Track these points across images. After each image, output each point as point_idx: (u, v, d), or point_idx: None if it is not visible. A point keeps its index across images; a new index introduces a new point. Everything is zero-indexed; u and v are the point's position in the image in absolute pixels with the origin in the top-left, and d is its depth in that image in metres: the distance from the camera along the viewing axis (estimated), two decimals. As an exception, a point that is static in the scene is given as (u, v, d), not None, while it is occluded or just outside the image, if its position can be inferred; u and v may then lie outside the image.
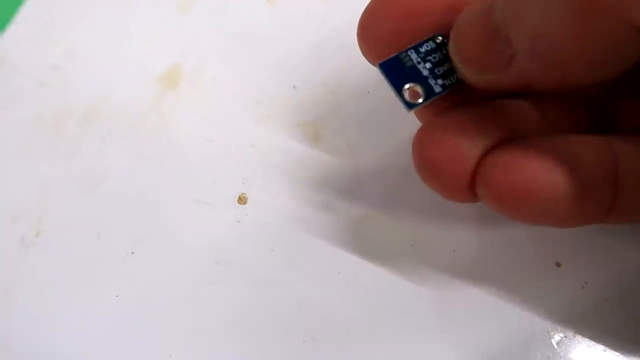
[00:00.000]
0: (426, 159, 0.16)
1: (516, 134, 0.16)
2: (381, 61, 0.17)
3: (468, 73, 0.16)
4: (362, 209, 0.21)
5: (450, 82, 0.17)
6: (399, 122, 0.22)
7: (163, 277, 0.21)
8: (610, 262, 0.20)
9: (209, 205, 0.22)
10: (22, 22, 0.27)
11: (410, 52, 0.17)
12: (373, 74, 0.24)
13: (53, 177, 0.23)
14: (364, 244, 0.21)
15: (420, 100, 0.16)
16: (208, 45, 0.25)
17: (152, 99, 0.25)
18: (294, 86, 0.24)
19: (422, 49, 0.17)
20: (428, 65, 0.17)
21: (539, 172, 0.15)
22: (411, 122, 0.18)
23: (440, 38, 0.17)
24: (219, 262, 0.21)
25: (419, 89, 0.16)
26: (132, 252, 0.21)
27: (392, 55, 0.17)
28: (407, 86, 0.16)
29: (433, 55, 0.17)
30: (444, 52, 0.17)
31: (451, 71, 0.17)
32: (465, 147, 0.16)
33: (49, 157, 0.24)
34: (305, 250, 0.21)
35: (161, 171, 0.23)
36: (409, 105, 0.16)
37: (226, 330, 0.20)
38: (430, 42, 0.17)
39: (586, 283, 0.19)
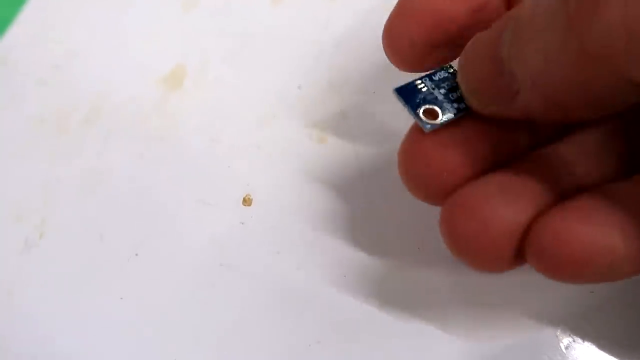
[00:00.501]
0: (461, 234, 0.16)
1: (563, 192, 0.16)
2: (396, 87, 0.17)
3: (474, 103, 0.16)
4: (368, 210, 0.21)
5: (465, 106, 0.17)
6: (405, 123, 0.21)
7: (167, 279, 0.21)
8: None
9: (213, 206, 0.22)
10: (23, 21, 0.27)
11: (425, 80, 0.17)
12: (379, 74, 0.24)
13: (55, 178, 0.23)
14: (370, 246, 0.21)
15: (439, 120, 0.16)
16: (212, 45, 0.25)
17: (156, 99, 0.24)
18: (299, 86, 0.24)
19: (436, 77, 0.17)
20: (442, 90, 0.17)
21: (596, 237, 0.14)
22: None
23: (452, 68, 0.17)
24: (224, 264, 0.21)
25: (436, 109, 0.17)
26: (137, 254, 0.21)
27: (407, 83, 0.17)
28: (424, 107, 0.17)
29: (446, 83, 0.17)
30: (457, 81, 0.17)
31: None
32: (507, 217, 0.15)
33: (51, 157, 0.24)
34: (311, 253, 0.21)
35: (165, 172, 0.23)
36: (429, 125, 0.16)
37: (231, 333, 0.20)
38: (443, 72, 0.17)
39: (592, 290, 0.19)
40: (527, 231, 0.15)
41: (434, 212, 0.21)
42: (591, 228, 0.14)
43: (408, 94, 0.17)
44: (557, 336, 0.19)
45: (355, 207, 0.21)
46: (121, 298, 0.21)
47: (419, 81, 0.17)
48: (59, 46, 0.26)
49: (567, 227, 0.14)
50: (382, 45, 0.18)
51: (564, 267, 0.14)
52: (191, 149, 0.23)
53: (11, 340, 0.21)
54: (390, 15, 0.18)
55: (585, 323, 0.19)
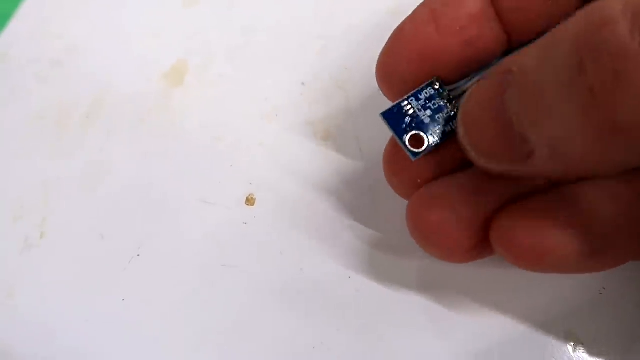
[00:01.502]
0: (425, 227, 0.17)
1: (525, 190, 0.16)
2: (383, 111, 0.17)
3: (481, 162, 0.16)
4: (373, 207, 0.21)
5: (451, 129, 0.17)
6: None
7: (169, 279, 0.21)
8: (628, 268, 0.19)
9: (215, 206, 0.22)
10: (23, 17, 0.26)
11: (411, 100, 0.17)
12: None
13: (56, 176, 0.23)
14: (375, 245, 0.20)
15: (424, 148, 0.17)
16: (214, 41, 0.25)
17: (157, 95, 0.24)
18: (302, 83, 0.23)
19: (422, 96, 0.17)
20: (429, 112, 0.17)
21: (551, 233, 0.15)
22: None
23: (437, 84, 0.17)
24: (226, 264, 0.21)
25: (422, 136, 0.17)
26: (138, 255, 0.21)
27: (393, 104, 0.17)
28: (410, 134, 0.17)
29: (433, 102, 0.17)
30: (443, 98, 0.17)
31: (451, 118, 0.17)
32: (465, 210, 0.16)
33: (52, 154, 0.23)
34: (315, 254, 0.20)
35: (166, 170, 0.23)
36: (414, 154, 0.17)
37: (233, 334, 0.20)
38: (430, 89, 0.17)
39: (604, 289, 0.19)
40: (489, 224, 0.16)
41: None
42: (548, 223, 0.15)
43: (394, 118, 0.17)
44: (565, 338, 0.18)
45: (361, 205, 0.21)
46: (123, 298, 0.21)
47: (405, 102, 0.17)
48: (59, 42, 0.26)
49: (526, 223, 0.16)
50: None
51: (524, 259, 0.16)
52: (193, 146, 0.23)
53: (12, 341, 0.20)
54: (382, 51, 0.18)
55: (594, 325, 0.18)
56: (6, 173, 0.23)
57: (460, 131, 0.16)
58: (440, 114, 0.17)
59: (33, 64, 0.26)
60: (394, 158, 0.18)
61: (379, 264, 0.20)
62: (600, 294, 0.19)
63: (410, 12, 0.24)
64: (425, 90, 0.17)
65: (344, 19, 0.24)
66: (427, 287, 0.20)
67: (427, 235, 0.17)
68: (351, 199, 0.21)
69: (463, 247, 0.17)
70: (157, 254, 0.21)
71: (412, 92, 0.17)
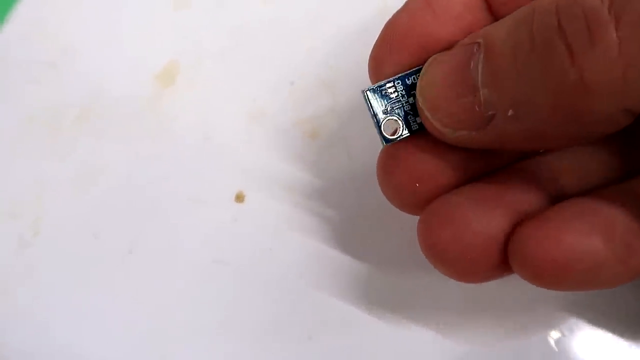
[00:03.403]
0: (436, 244, 0.16)
1: (547, 200, 0.16)
2: (366, 89, 0.16)
3: (437, 125, 0.15)
4: (360, 207, 0.21)
5: None
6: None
7: (161, 276, 0.21)
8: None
9: (206, 203, 0.22)
10: (17, 19, 0.27)
11: (397, 83, 0.16)
12: (371, 70, 0.23)
13: (49, 176, 0.23)
14: (361, 243, 0.21)
15: (396, 136, 0.16)
16: (205, 42, 0.25)
17: (149, 96, 0.24)
18: (291, 82, 0.24)
19: (409, 81, 0.16)
20: (411, 99, 0.16)
21: (575, 242, 0.14)
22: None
23: None
24: (217, 260, 0.21)
25: (398, 122, 0.16)
26: (130, 252, 0.21)
27: (378, 83, 0.16)
28: (387, 119, 0.16)
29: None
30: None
31: None
32: (481, 226, 0.15)
33: (45, 155, 0.24)
34: (303, 250, 0.21)
35: (158, 169, 0.23)
36: (386, 140, 0.16)
37: (223, 329, 0.20)
38: (417, 76, 0.16)
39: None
40: (508, 240, 0.15)
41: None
42: (571, 233, 0.14)
43: (375, 99, 0.16)
44: (547, 331, 0.19)
45: (347, 204, 0.21)
46: (115, 295, 0.21)
47: (390, 84, 0.16)
48: (53, 43, 0.26)
49: (547, 233, 0.14)
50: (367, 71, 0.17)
51: (546, 274, 0.14)
52: (184, 145, 0.23)
53: (6, 339, 0.21)
54: (375, 42, 0.17)
55: (575, 317, 0.19)
56: (0, 173, 0.24)
57: (420, 98, 0.15)
58: None
59: (27, 65, 0.26)
60: (392, 160, 0.17)
61: (365, 261, 0.20)
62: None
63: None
64: (414, 76, 0.16)
65: (332, 19, 0.25)
66: (413, 283, 0.20)
67: (441, 255, 0.16)
68: (338, 197, 0.22)
69: (480, 265, 0.15)
70: (149, 252, 0.22)
71: (400, 75, 0.16)
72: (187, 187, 0.22)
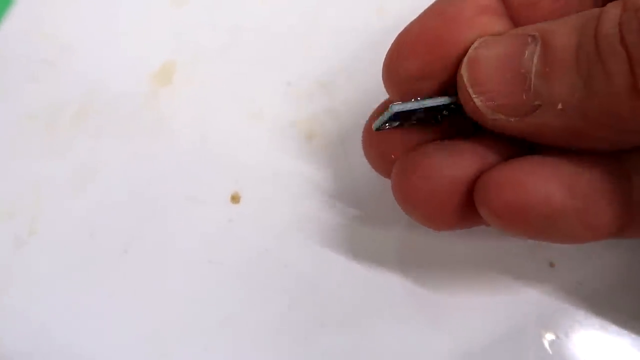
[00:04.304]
0: (406, 189, 0.17)
1: (512, 154, 0.16)
2: (395, 106, 0.16)
3: (481, 105, 0.15)
4: (356, 207, 0.21)
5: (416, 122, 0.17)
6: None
7: (157, 276, 0.21)
8: (603, 262, 0.19)
9: (202, 203, 0.22)
10: (14, 17, 0.26)
11: (420, 107, 0.16)
12: (367, 71, 0.23)
13: (46, 175, 0.23)
14: (358, 243, 0.21)
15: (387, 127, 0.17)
16: (202, 41, 0.25)
17: (146, 95, 0.24)
18: (288, 83, 0.24)
19: (428, 104, 0.16)
20: (421, 115, 0.17)
21: (534, 186, 0.15)
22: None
23: (454, 105, 0.16)
24: (212, 261, 0.21)
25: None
26: (126, 251, 0.21)
27: (409, 107, 0.16)
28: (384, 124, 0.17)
29: (440, 110, 0.17)
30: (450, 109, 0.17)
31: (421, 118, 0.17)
32: (449, 171, 0.16)
33: (42, 154, 0.24)
34: (299, 250, 0.21)
35: (154, 169, 0.23)
36: (377, 129, 0.17)
37: (218, 329, 0.20)
38: (445, 100, 0.16)
39: (580, 283, 0.19)
40: (473, 184, 0.16)
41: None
42: (532, 178, 0.15)
43: (396, 119, 0.17)
44: (541, 332, 0.19)
45: (344, 204, 0.21)
46: (111, 295, 0.21)
47: (420, 110, 0.16)
48: (50, 42, 0.26)
49: (509, 177, 0.15)
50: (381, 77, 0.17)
51: (506, 216, 0.15)
52: (181, 145, 0.23)
53: (2, 338, 0.21)
54: (389, 49, 0.17)
55: (570, 319, 0.19)
56: (-3, 172, 0.24)
57: (465, 74, 0.15)
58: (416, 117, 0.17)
59: (24, 63, 0.26)
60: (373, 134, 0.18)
61: (362, 261, 0.20)
62: (576, 288, 0.19)
63: (395, 13, 0.25)
64: (438, 103, 0.16)
65: (330, 20, 0.25)
66: (408, 284, 0.20)
67: (411, 197, 0.17)
68: (335, 197, 0.22)
69: (448, 208, 0.16)
70: (145, 251, 0.22)
71: (430, 104, 0.16)
72: (184, 187, 0.22)
